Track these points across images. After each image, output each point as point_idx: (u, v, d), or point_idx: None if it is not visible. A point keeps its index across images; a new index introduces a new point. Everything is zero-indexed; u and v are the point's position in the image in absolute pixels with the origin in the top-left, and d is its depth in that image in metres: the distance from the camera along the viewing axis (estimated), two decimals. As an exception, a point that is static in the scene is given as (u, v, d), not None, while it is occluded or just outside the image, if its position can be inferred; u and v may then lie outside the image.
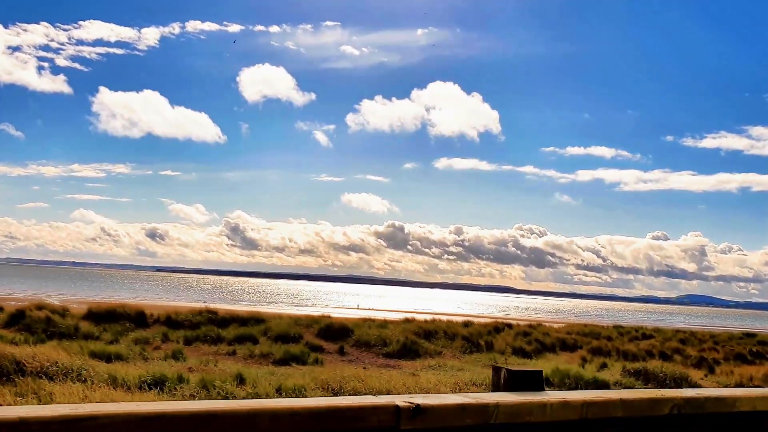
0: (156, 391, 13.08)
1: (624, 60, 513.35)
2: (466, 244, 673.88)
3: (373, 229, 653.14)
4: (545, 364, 23.57)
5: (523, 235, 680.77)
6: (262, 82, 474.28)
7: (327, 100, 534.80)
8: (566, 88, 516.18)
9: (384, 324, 30.80)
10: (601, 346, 30.42)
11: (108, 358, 17.33)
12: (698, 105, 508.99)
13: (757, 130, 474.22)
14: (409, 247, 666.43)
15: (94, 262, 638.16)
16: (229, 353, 20.83)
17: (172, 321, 24.63)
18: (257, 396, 13.95)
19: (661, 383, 20.93)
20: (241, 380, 14.85)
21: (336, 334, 25.11)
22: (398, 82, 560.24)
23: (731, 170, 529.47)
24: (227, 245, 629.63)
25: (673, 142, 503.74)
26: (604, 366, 23.98)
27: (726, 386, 22.77)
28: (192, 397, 13.24)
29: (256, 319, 26.06)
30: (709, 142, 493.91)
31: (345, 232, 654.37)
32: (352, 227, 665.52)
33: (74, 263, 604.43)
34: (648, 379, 21.30)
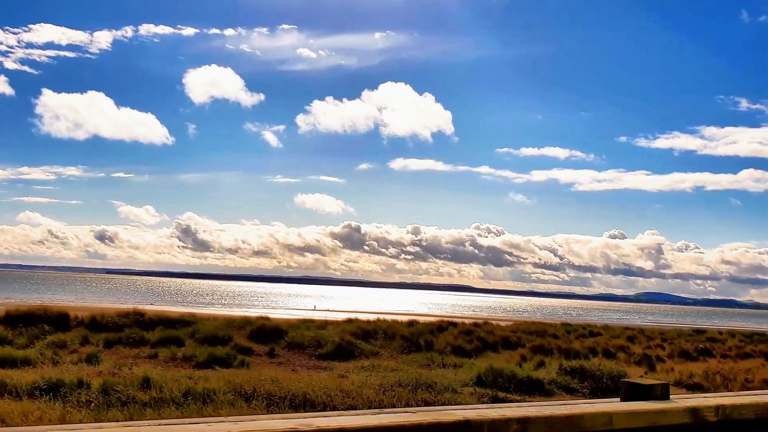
0: (47, 398, 12.20)
1: (576, 62, 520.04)
2: (424, 243, 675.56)
3: (329, 229, 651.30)
4: (482, 363, 23.06)
5: (480, 235, 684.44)
6: (208, 83, 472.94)
7: (276, 101, 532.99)
8: (519, 90, 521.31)
9: (323, 325, 30.09)
10: (543, 344, 30.02)
11: (14, 363, 16.37)
12: (651, 106, 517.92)
13: (709, 131, 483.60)
14: (365, 247, 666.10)
15: (41, 265, 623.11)
16: (150, 356, 19.95)
17: (96, 323, 23.62)
18: (161, 401, 13.16)
19: (598, 381, 20.53)
20: (148, 384, 14.01)
21: (268, 336, 24.30)
22: (352, 84, 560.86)
23: (685, 170, 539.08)
24: (179, 247, 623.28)
25: (626, 143, 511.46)
26: (542, 364, 23.55)
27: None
28: (88, 402, 12.38)
29: (186, 321, 25.15)
30: (662, 142, 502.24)
31: (300, 233, 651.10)
32: (307, 228, 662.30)
33: (20, 266, 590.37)
34: (584, 377, 20.89)
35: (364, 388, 16.63)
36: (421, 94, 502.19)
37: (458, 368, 22.51)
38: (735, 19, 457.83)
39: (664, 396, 3.47)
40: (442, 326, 34.93)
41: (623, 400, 3.49)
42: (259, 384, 15.19)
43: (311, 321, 31.30)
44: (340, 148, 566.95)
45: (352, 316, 39.16)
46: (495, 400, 17.91)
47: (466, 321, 40.35)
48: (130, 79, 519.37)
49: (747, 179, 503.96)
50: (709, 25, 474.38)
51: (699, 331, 48.31)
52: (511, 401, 17.96)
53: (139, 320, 24.31)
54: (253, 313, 45.29)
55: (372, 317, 36.83)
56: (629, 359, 28.19)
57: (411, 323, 34.92)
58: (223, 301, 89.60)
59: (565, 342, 32.85)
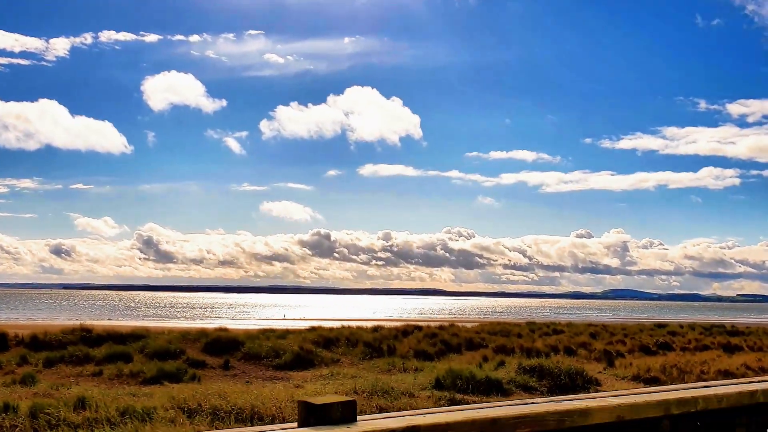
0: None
1: (542, 67, 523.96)
2: (395, 249, 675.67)
3: (297, 237, 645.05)
4: (444, 365, 22.66)
5: (451, 238, 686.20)
6: (167, 89, 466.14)
7: (239, 106, 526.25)
8: (487, 94, 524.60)
9: (284, 334, 29.52)
10: (506, 344, 29.77)
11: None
12: (614, 108, 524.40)
13: (670, 131, 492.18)
14: (336, 254, 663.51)
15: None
16: (94, 374, 19.23)
17: (37, 341, 22.76)
18: (95, 421, 12.54)
19: (556, 379, 20.26)
20: (83, 404, 13.39)
21: (223, 348, 23.67)
22: (320, 89, 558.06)
23: (648, 169, 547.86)
24: (140, 259, 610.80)
25: (591, 144, 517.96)
26: (502, 364, 23.24)
27: (623, 378, 22.24)
28: (13, 427, 11.73)
29: (137, 335, 24.39)
30: (625, 143, 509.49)
31: (267, 242, 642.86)
32: (275, 237, 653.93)
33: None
34: (543, 375, 20.61)
35: (318, 398, 16.12)
36: (388, 98, 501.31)
37: (419, 372, 22.10)
38: (690, 23, 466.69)
39: (347, 418, 2.96)
40: (407, 330, 34.58)
41: (300, 425, 2.91)
42: (205, 398, 14.62)
43: (272, 331, 30.69)
44: (307, 154, 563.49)
45: (320, 324, 38.64)
46: (452, 402, 17.55)
47: (432, 324, 39.98)
48: (87, 86, 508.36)
49: (707, 177, 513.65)
50: (666, 29, 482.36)
51: (660, 326, 48.57)
52: (467, 403, 17.58)
53: (86, 336, 23.49)
54: (218, 324, 44.48)
55: (337, 324, 36.33)
56: (590, 356, 28.03)
57: (376, 329, 34.50)
58: (185, 314, 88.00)
59: (528, 341, 32.62)
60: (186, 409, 14.00)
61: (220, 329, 28.07)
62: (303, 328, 33.46)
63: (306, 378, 21.35)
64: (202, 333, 25.72)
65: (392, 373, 22.45)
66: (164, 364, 19.92)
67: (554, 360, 22.59)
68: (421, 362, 24.78)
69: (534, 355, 26.01)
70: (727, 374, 22.14)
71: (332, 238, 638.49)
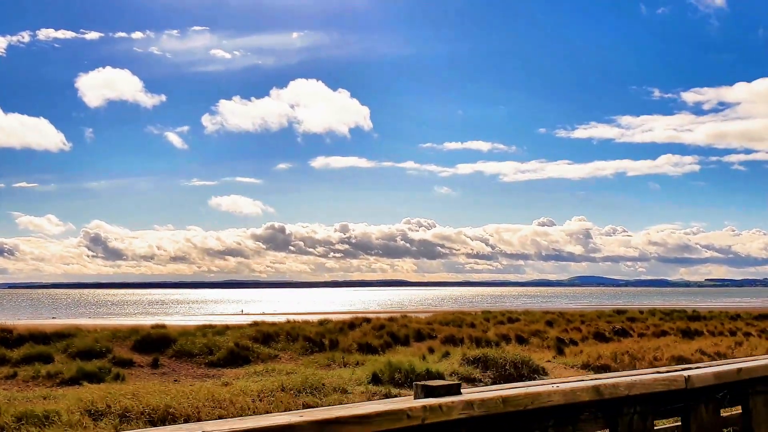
0: None
1: (492, 57, 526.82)
2: (353, 240, 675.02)
3: (250, 231, 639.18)
4: (385, 359, 21.81)
5: (411, 229, 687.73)
6: (103, 85, 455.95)
7: (179, 101, 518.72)
8: (438, 85, 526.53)
9: (223, 330, 28.39)
10: (455, 334, 29.04)
11: None
12: (567, 98, 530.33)
13: (625, 119, 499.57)
14: (291, 247, 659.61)
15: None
16: (8, 376, 18.06)
17: (-48, 345, 21.38)
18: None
19: (501, 369, 19.52)
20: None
21: (154, 345, 22.56)
22: (262, 82, 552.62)
23: (605, 158, 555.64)
24: (88, 256, 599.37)
25: (546, 134, 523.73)
26: (447, 355, 22.48)
27: (573, 367, 21.58)
28: None
29: (63, 335, 23.11)
30: (581, 132, 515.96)
31: (219, 237, 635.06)
32: (227, 231, 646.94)
33: None
34: (488, 365, 19.87)
35: (240, 396, 15.14)
36: (335, 90, 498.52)
37: (360, 366, 21.23)
38: (635, 12, 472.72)
39: None
40: (354, 323, 33.60)
41: None
42: (116, 399, 13.57)
43: (210, 327, 29.52)
44: (254, 147, 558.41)
45: (275, 319, 37.54)
46: (387, 398, 16.68)
47: (381, 316, 39.05)
48: (19, 83, 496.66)
49: (666, 164, 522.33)
50: (612, 19, 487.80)
51: (620, 312, 48.18)
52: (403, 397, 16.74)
53: (5, 337, 22.16)
54: (167, 321, 43.01)
55: (282, 319, 35.29)
56: (542, 344, 27.45)
57: (322, 322, 33.51)
58: (133, 311, 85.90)
59: (481, 330, 31.95)
60: (93, 411, 12.96)
61: (155, 326, 26.85)
62: (245, 323, 32.34)
63: (239, 375, 20.36)
64: (134, 330, 24.50)
65: (331, 368, 21.59)
66: (85, 364, 18.80)
67: (502, 349, 21.89)
68: (363, 356, 23.92)
69: (484, 344, 25.31)
70: (680, 360, 21.65)
71: (287, 231, 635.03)
